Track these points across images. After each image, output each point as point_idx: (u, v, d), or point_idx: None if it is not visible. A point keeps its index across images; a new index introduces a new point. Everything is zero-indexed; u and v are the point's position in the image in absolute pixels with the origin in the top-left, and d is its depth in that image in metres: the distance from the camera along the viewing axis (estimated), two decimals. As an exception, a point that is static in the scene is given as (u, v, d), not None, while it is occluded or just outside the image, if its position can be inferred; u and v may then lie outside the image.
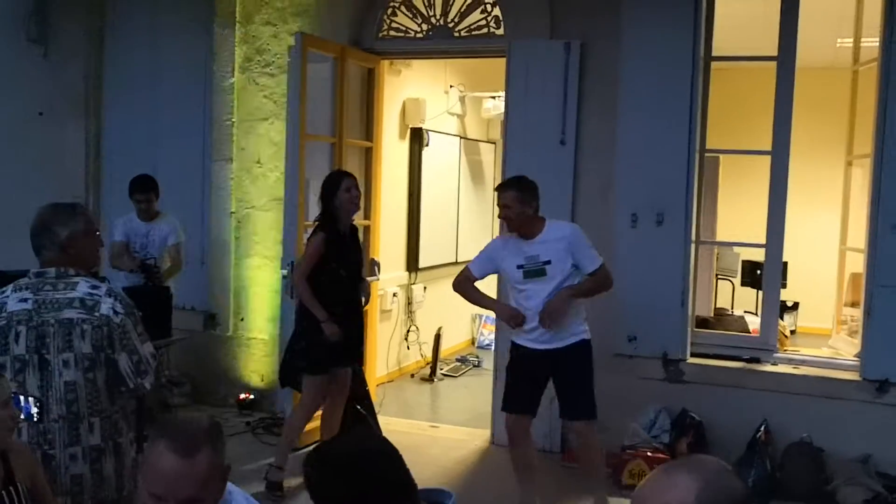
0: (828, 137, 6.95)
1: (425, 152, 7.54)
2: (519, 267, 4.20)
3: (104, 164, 6.62)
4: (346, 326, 4.68)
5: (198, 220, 6.23)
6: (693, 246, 5.21)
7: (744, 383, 5.11)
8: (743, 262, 8.43)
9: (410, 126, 7.38)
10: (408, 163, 7.45)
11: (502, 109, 8.01)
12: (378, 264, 6.10)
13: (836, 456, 4.81)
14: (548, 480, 4.89)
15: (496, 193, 4.32)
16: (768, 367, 5.15)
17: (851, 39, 5.61)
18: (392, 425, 5.68)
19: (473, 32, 5.68)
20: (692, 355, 5.24)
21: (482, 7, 5.64)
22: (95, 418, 2.68)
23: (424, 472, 4.85)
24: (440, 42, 5.78)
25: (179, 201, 6.10)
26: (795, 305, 9.07)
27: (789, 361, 5.19)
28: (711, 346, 5.34)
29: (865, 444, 4.83)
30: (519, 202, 4.16)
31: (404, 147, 7.39)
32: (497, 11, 5.60)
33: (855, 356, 5.11)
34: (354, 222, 4.96)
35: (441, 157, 7.88)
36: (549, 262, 4.15)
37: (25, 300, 2.67)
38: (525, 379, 4.31)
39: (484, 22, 5.64)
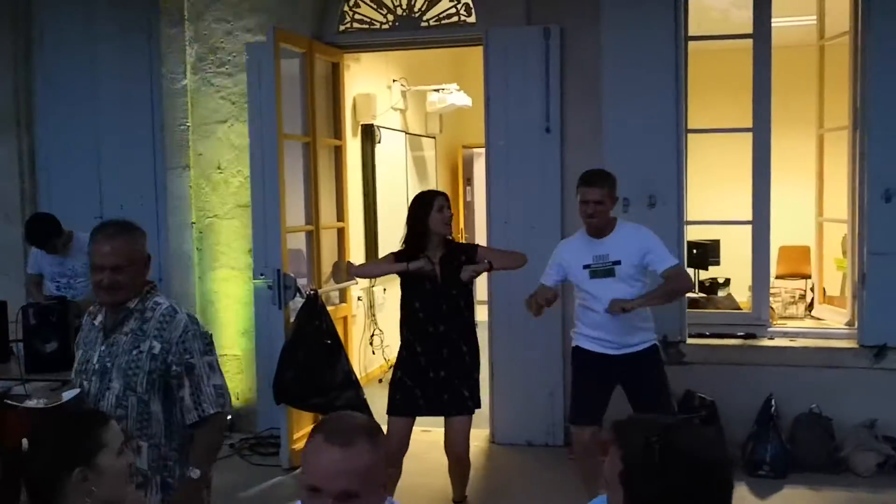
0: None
1: (377, 149, 7.30)
2: (585, 267, 3.97)
3: (39, 181, 6.10)
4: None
5: (153, 234, 5.77)
6: (685, 227, 5.20)
7: (744, 359, 5.14)
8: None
9: (361, 123, 7.14)
10: (360, 161, 7.20)
11: (448, 102, 7.95)
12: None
13: (843, 424, 4.88)
14: (558, 477, 4.80)
15: (582, 188, 3.96)
16: (766, 342, 5.20)
17: (813, 17, 5.71)
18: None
19: (443, 21, 5.49)
20: (689, 336, 5.23)
21: (451, -5, 5.46)
22: (144, 442, 2.68)
23: (436, 480, 4.70)
24: (407, 33, 5.57)
25: (130, 214, 5.64)
26: (727, 281, 9.30)
27: (784, 335, 5.26)
28: (706, 325, 5.34)
29: (869, 409, 4.92)
30: (609, 197, 3.94)
31: (356, 145, 7.13)
32: (467, -1, 5.43)
33: (846, 324, 5.22)
34: None
35: (390, 154, 7.66)
36: (618, 262, 3.92)
37: None
38: (595, 386, 4.05)
39: (454, 10, 5.46)
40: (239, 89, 5.64)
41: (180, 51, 5.72)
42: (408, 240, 4.22)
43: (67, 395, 2.71)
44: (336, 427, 1.77)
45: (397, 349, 4.33)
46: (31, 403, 2.80)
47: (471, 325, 4.26)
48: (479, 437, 5.54)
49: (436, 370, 4.15)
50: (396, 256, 4.26)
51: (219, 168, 5.74)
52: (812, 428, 4.86)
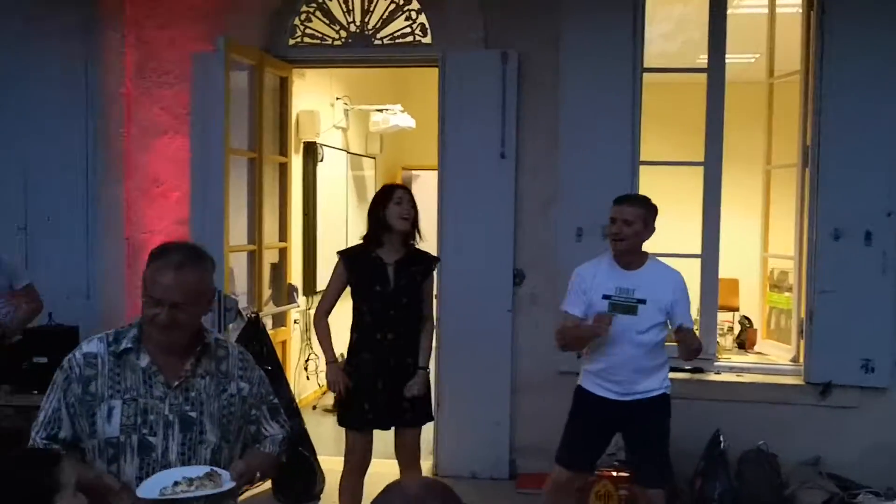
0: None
1: (318, 168, 7.11)
2: (605, 297, 3.65)
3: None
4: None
5: (81, 249, 5.50)
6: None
7: (692, 394, 5.08)
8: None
9: (304, 140, 6.93)
10: (302, 179, 6.99)
11: (391, 122, 7.82)
12: (296, 289, 5.65)
13: (789, 461, 4.89)
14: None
15: (614, 207, 3.70)
16: (713, 377, 5.19)
17: (756, 55, 5.78)
18: (324, 464, 5.23)
19: (397, 41, 5.36)
20: (638, 369, 5.17)
21: (406, 14, 5.33)
22: None
23: None
24: (360, 50, 5.42)
25: (58, 227, 5.39)
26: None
27: (731, 369, 5.26)
28: (653, 358, 5.30)
29: (813, 446, 4.94)
30: (643, 221, 3.63)
31: (298, 162, 6.92)
32: (423, 19, 5.31)
33: (791, 360, 5.25)
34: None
35: (332, 173, 7.47)
36: (643, 302, 3.61)
37: None
38: (594, 432, 3.81)
39: (409, 30, 5.34)
40: (180, 101, 5.39)
41: (118, 59, 5.44)
42: (366, 234, 4.05)
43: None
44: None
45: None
46: None
47: (417, 334, 4.05)
48: (422, 469, 5.38)
49: (382, 380, 3.97)
50: (344, 256, 4.06)
51: (157, 182, 5.47)
52: (759, 465, 4.84)
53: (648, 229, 3.69)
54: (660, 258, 4.97)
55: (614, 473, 4.74)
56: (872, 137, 4.80)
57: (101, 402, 2.24)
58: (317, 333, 4.19)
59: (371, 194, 8.51)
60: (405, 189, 4.06)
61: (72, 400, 2.26)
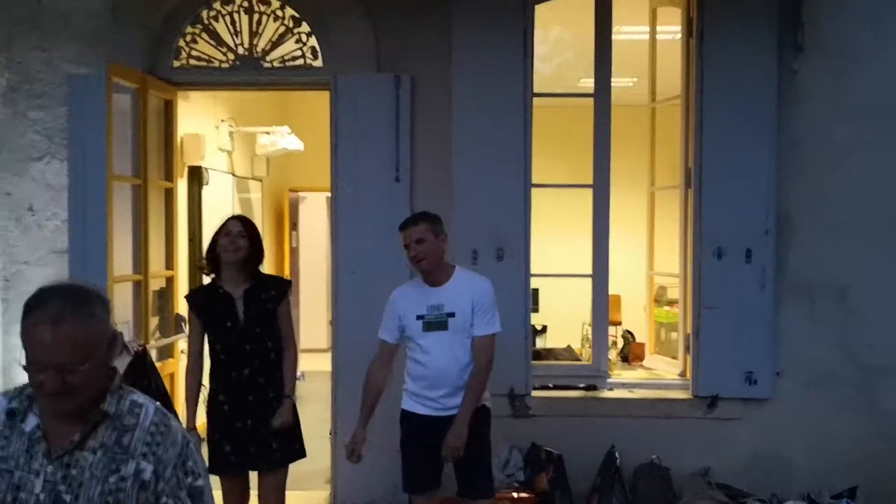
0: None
1: (204, 192, 6.91)
2: (419, 318, 3.76)
3: None
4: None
5: (-53, 282, 5.15)
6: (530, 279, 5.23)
7: (587, 411, 5.20)
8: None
9: (189, 164, 6.72)
10: (187, 205, 6.77)
11: (279, 145, 7.70)
12: (184, 319, 5.44)
13: (680, 473, 5.03)
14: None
15: (401, 233, 3.82)
16: (606, 393, 5.30)
17: (635, 79, 5.99)
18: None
19: (287, 64, 5.27)
20: (535, 388, 5.24)
21: (296, 37, 5.25)
22: None
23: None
24: (248, 73, 5.30)
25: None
26: (544, 329, 9.57)
27: (623, 386, 5.38)
28: (547, 377, 5.38)
29: (702, 458, 5.11)
30: (432, 233, 3.73)
31: (183, 187, 6.70)
32: (313, 42, 5.25)
33: (678, 375, 5.42)
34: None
35: (217, 198, 7.27)
36: (452, 315, 3.73)
37: None
38: (427, 451, 3.82)
39: (299, 52, 5.26)
40: (57, 125, 5.11)
41: (-12, 79, 5.14)
42: (209, 270, 3.98)
43: None
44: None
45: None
46: None
47: (277, 367, 3.94)
48: (318, 499, 5.28)
49: (242, 420, 3.85)
50: (191, 300, 4.00)
51: (31, 210, 5.18)
52: (652, 478, 4.97)
53: (440, 238, 3.78)
54: (554, 277, 5.03)
55: (514, 495, 4.77)
56: (749, 160, 5.02)
57: None
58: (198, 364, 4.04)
59: (258, 217, 8.44)
60: (238, 219, 4.01)
61: None
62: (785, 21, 5.03)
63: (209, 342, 3.93)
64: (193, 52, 5.28)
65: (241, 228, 3.90)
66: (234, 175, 7.78)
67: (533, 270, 5.87)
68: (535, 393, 5.21)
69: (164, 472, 1.86)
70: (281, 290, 3.97)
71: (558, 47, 6.68)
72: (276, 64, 5.27)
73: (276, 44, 5.27)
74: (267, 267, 4.48)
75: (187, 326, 3.98)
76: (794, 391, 5.13)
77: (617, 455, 4.94)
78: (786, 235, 5.08)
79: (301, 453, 4.06)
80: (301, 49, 5.26)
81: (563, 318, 7.65)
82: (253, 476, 4.05)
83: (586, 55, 5.48)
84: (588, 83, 5.54)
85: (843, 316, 5.10)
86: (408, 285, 3.99)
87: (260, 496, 4.00)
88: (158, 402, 1.97)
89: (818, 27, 5.03)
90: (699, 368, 5.15)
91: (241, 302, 3.85)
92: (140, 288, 4.98)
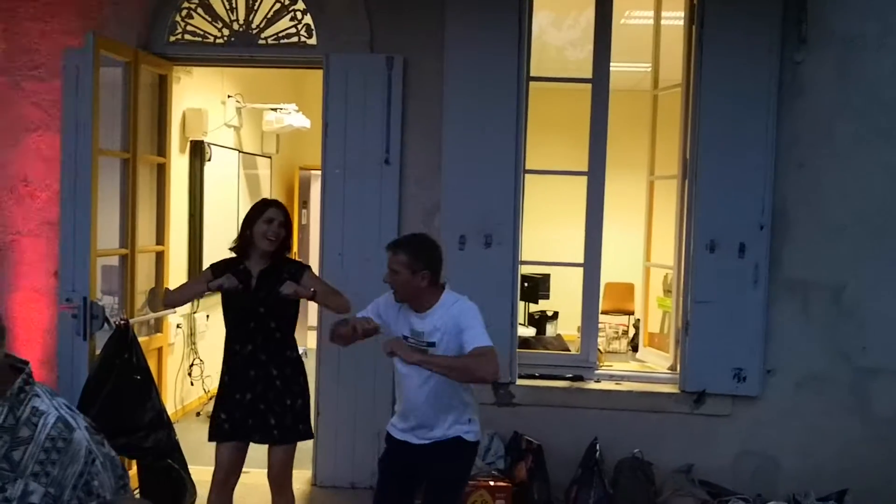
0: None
1: (206, 167, 6.92)
2: (404, 338, 3.51)
3: None
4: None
5: (-59, 249, 5.21)
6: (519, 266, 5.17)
7: (571, 402, 5.14)
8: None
9: (191, 139, 6.74)
10: (188, 179, 6.79)
11: (286, 122, 7.68)
12: (174, 294, 5.46)
13: (663, 468, 4.96)
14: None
15: (387, 252, 3.49)
16: (592, 385, 5.23)
17: (648, 65, 5.86)
18: (201, 474, 5.07)
19: (282, 41, 5.23)
20: (520, 377, 5.19)
21: (291, 14, 5.21)
22: None
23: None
24: (243, 49, 5.27)
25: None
26: (556, 315, 9.49)
27: (610, 377, 5.31)
28: (535, 366, 5.32)
29: (688, 454, 5.03)
30: (409, 269, 3.39)
31: (184, 162, 6.73)
32: (308, 20, 5.20)
33: (668, 369, 5.34)
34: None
35: (221, 173, 7.29)
36: (433, 345, 3.42)
37: None
38: (398, 478, 3.63)
39: (294, 30, 5.21)
40: (53, 97, 5.15)
41: (-15, 49, 5.18)
42: (235, 246, 4.00)
43: None
44: None
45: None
46: None
47: (283, 347, 3.94)
48: (300, 478, 5.28)
49: (241, 392, 3.89)
50: (214, 269, 4.01)
51: (25, 181, 5.22)
52: (634, 473, 4.90)
53: (418, 276, 3.40)
54: (545, 265, 4.94)
55: (491, 483, 4.74)
56: (747, 152, 4.90)
57: None
58: (176, 297, 4.12)
59: (267, 193, 8.44)
60: (278, 208, 3.97)
61: None
62: (789, 11, 4.89)
63: (224, 314, 3.99)
64: (189, 27, 5.26)
65: (282, 219, 3.90)
66: (240, 151, 7.79)
67: (536, 257, 5.82)
68: (520, 381, 5.17)
69: (62, 495, 1.62)
70: (297, 274, 3.94)
71: (590, 32, 6.53)
72: (270, 41, 5.23)
73: (271, 21, 5.23)
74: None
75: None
76: (785, 390, 5.03)
77: (598, 447, 4.87)
78: (781, 231, 4.96)
79: (304, 434, 4.02)
80: (296, 27, 5.21)
81: (577, 305, 7.50)
82: (262, 456, 4.07)
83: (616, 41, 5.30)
84: (616, 68, 5.38)
85: (837, 315, 4.97)
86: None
87: (268, 473, 4.03)
88: (66, 407, 1.73)
89: (823, 18, 4.88)
90: (687, 363, 5.06)
91: (255, 280, 3.91)
92: (126, 262, 4.99)
